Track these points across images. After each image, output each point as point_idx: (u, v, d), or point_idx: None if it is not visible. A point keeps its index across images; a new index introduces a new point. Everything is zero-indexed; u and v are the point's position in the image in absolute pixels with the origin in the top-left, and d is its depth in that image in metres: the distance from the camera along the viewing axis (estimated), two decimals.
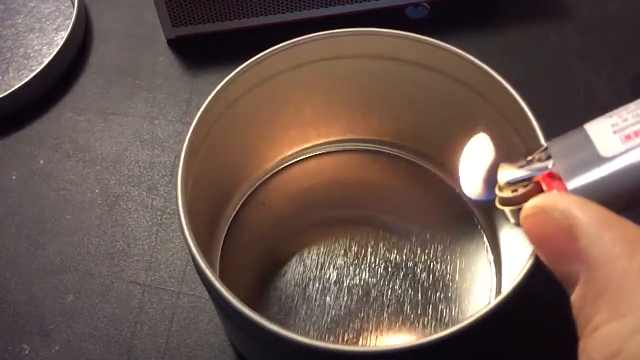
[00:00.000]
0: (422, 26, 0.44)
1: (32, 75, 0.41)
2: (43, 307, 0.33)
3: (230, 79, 0.28)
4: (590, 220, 0.16)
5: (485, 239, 0.32)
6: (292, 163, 0.36)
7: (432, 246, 0.32)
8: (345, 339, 0.30)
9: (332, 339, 0.29)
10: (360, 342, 0.29)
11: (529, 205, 0.19)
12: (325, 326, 0.30)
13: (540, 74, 0.41)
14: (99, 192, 0.37)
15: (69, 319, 0.33)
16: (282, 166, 0.36)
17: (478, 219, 0.33)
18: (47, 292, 0.34)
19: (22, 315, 0.33)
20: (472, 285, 0.31)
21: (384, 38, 0.29)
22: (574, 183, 0.18)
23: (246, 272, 0.32)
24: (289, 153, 0.36)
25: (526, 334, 0.30)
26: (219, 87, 0.28)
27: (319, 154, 0.36)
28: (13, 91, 0.40)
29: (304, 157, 0.36)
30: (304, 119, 0.34)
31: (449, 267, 0.32)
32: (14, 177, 0.38)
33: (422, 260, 0.32)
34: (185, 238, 0.23)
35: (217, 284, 0.22)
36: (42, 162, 0.39)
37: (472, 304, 0.30)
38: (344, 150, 0.36)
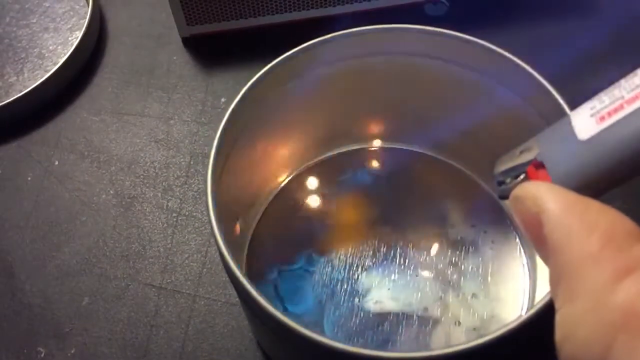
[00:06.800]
0: (441, 23, 0.43)
1: (47, 75, 0.40)
2: (59, 309, 0.33)
3: (258, 77, 0.27)
4: (555, 206, 0.17)
5: (518, 240, 0.31)
6: (320, 162, 0.35)
7: (463, 248, 0.32)
8: (374, 342, 0.29)
9: (360, 342, 0.29)
10: (389, 346, 0.29)
11: (511, 196, 0.19)
12: (354, 329, 0.29)
13: (564, 72, 0.40)
14: (114, 194, 0.37)
15: (85, 321, 0.33)
16: (310, 165, 0.35)
17: (510, 220, 0.32)
18: (63, 294, 0.34)
19: (38, 318, 0.33)
20: (506, 288, 0.30)
21: (414, 34, 0.29)
22: (554, 170, 0.18)
23: (273, 271, 0.32)
24: (317, 152, 0.35)
25: None
26: (247, 85, 0.27)
27: (349, 152, 0.35)
28: (28, 92, 0.40)
29: (332, 154, 0.35)
30: (334, 117, 0.33)
31: (480, 269, 0.31)
32: (29, 178, 0.38)
33: (453, 262, 0.31)
34: (215, 238, 0.23)
35: (247, 285, 0.21)
36: (57, 163, 0.39)
37: (506, 308, 0.30)
38: (373, 149, 0.35)
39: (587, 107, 0.18)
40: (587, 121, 0.18)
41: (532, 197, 0.17)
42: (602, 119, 0.17)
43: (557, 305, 0.16)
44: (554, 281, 0.16)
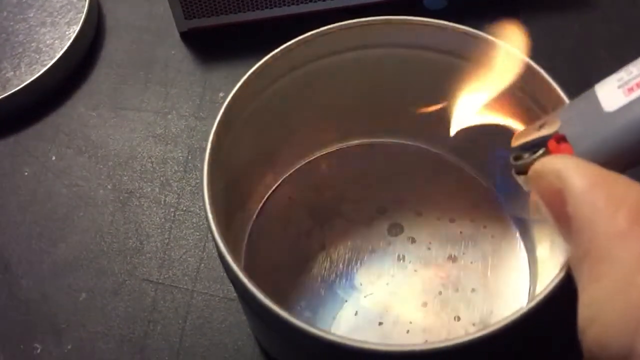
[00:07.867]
0: (440, 17, 0.43)
1: (44, 70, 0.40)
2: (55, 305, 0.33)
3: (255, 69, 0.27)
4: (580, 181, 0.16)
5: (517, 234, 0.31)
6: (321, 156, 0.35)
7: (463, 242, 0.31)
8: (373, 336, 0.29)
9: (359, 336, 0.29)
10: (388, 341, 0.29)
11: (531, 170, 0.18)
12: (353, 323, 0.29)
13: (565, 65, 0.40)
14: (111, 189, 0.37)
15: (82, 317, 0.32)
16: (310, 159, 0.35)
17: (510, 215, 0.32)
18: (60, 290, 0.33)
19: (34, 313, 0.33)
20: (505, 283, 0.30)
21: (414, 26, 0.29)
22: (578, 143, 0.18)
23: (272, 266, 0.31)
24: (317, 145, 0.35)
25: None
26: (244, 77, 0.27)
27: (347, 147, 0.35)
28: (25, 86, 0.39)
29: (332, 149, 0.35)
30: (333, 111, 0.33)
31: (480, 264, 0.31)
32: (26, 173, 0.38)
33: (452, 256, 0.31)
34: (212, 234, 0.23)
35: (245, 280, 0.21)
36: (54, 158, 0.38)
37: (506, 303, 0.29)
38: (372, 144, 0.35)
39: (613, 78, 0.17)
40: (614, 93, 0.17)
41: (555, 172, 0.17)
42: (631, 90, 0.16)
43: (580, 287, 0.15)
44: (577, 261, 0.15)
